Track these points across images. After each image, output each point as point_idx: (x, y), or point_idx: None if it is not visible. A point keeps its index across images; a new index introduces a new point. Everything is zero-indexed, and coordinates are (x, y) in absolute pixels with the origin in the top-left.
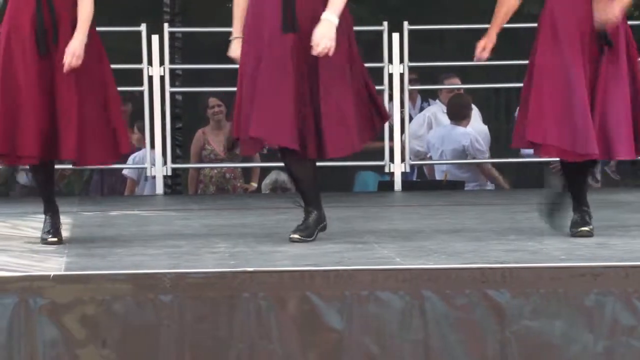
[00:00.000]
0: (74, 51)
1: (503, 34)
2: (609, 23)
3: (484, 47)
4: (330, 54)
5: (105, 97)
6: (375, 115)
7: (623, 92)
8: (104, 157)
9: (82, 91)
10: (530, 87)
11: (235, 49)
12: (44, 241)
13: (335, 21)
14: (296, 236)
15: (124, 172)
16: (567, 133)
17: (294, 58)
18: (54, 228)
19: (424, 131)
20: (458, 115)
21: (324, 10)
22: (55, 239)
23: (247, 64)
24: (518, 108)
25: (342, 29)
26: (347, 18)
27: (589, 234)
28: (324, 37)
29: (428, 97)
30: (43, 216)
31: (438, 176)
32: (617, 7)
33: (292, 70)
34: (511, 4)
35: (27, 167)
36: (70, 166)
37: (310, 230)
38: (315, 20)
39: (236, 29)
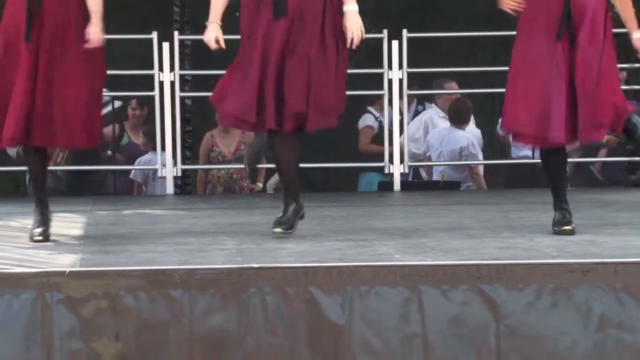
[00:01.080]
0: (95, 35)
1: (497, 40)
2: None
3: None
4: (360, 40)
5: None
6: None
7: (591, 78)
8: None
9: (63, 81)
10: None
11: (209, 34)
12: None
13: (357, 8)
14: (279, 230)
15: (131, 175)
16: (535, 119)
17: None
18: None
19: (421, 134)
20: (459, 119)
21: None
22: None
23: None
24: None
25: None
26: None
27: (572, 232)
28: (357, 29)
29: (425, 101)
30: (64, 214)
31: (436, 176)
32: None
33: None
34: None
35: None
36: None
37: (291, 222)
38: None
39: (214, 14)
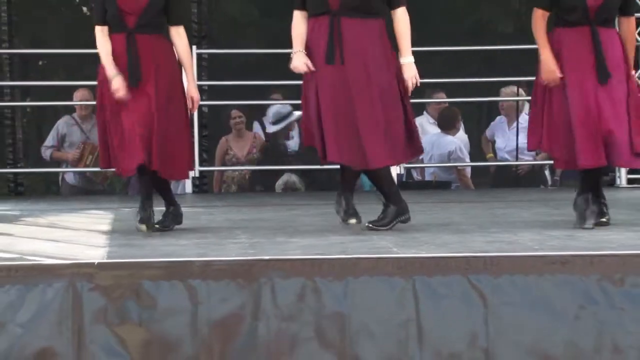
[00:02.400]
0: (196, 96)
1: (482, 54)
2: None
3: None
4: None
5: (184, 122)
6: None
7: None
8: (178, 174)
9: (168, 116)
10: (544, 105)
11: (296, 61)
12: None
13: (412, 60)
14: (370, 225)
15: None
16: (568, 147)
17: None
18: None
19: (423, 140)
20: (448, 125)
21: (368, 41)
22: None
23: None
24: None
25: (386, 63)
26: (394, 56)
27: (607, 223)
28: (412, 77)
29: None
30: (93, 211)
31: (428, 177)
32: None
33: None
34: (544, 26)
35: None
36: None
37: (387, 220)
38: (358, 51)
39: (297, 45)
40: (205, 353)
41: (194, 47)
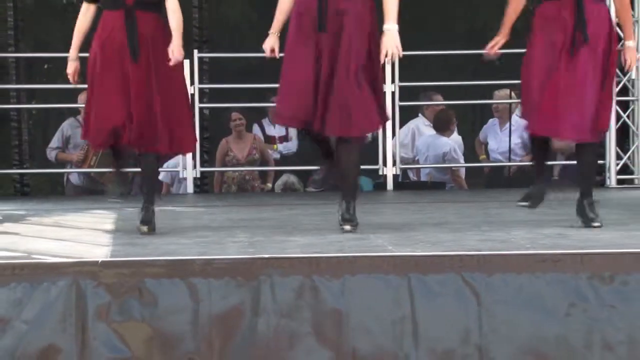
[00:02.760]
0: (178, 53)
1: (476, 58)
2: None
3: (496, 43)
4: (399, 56)
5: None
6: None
7: (589, 85)
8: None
9: (162, 92)
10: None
11: (269, 42)
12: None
13: (396, 28)
14: (348, 228)
15: (161, 177)
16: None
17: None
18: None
19: (409, 141)
20: (443, 127)
21: (355, 11)
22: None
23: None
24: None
25: (366, 30)
26: (373, 21)
27: (599, 226)
28: (392, 46)
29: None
30: (97, 211)
31: (423, 177)
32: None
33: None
34: (519, 3)
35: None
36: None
37: (356, 220)
38: (339, 13)
39: (275, 25)
40: (206, 349)
41: (195, 51)
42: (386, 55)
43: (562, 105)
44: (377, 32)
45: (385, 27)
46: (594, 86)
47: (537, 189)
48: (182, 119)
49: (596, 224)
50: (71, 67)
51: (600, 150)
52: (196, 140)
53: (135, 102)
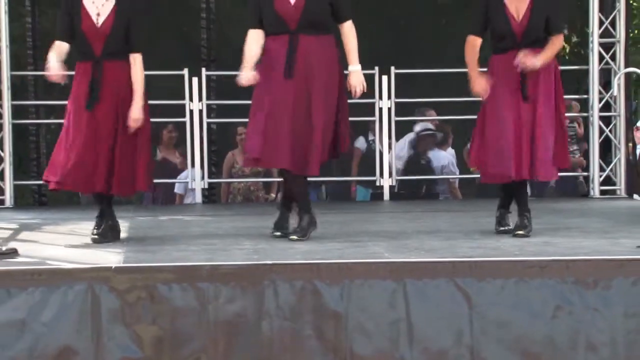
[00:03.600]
0: (136, 118)
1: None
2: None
3: (480, 85)
4: (362, 92)
5: (135, 144)
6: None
7: (548, 125)
8: (125, 190)
9: (119, 134)
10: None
11: (244, 77)
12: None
13: (360, 68)
14: (295, 237)
15: (175, 189)
16: (497, 161)
17: (294, 98)
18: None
19: (405, 153)
20: (441, 141)
21: (324, 51)
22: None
23: (262, 99)
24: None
25: (337, 75)
26: (340, 69)
27: (526, 236)
28: (359, 84)
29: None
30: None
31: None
32: (539, 59)
33: (291, 108)
34: (475, 52)
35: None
36: None
37: (305, 232)
38: (309, 63)
39: (247, 62)
40: (212, 349)
41: (204, 69)
42: (354, 93)
43: (529, 151)
44: (342, 73)
45: (352, 68)
46: (551, 129)
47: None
48: (138, 164)
49: (520, 232)
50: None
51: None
52: (147, 184)
53: (94, 147)
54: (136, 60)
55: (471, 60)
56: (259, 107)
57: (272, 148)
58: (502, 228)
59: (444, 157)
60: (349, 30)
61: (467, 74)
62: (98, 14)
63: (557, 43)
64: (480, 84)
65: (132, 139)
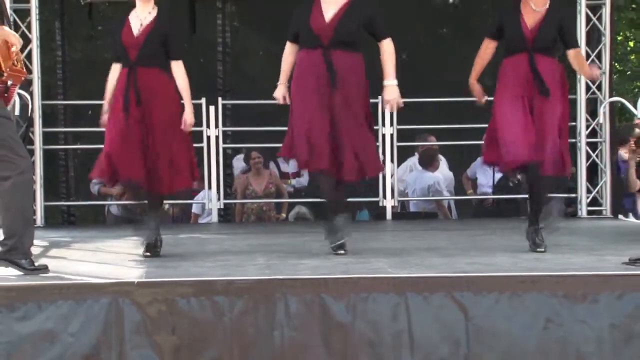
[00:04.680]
0: (190, 122)
1: (466, 104)
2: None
3: (477, 90)
4: (400, 106)
5: (179, 143)
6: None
7: (553, 124)
8: (181, 184)
9: (163, 137)
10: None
11: (280, 92)
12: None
13: (396, 83)
14: (343, 251)
15: (193, 209)
16: (511, 148)
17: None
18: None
19: (407, 176)
20: (427, 163)
21: (353, 67)
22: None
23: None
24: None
25: (366, 94)
26: (367, 90)
27: (544, 250)
28: (394, 98)
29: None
30: (134, 238)
31: (412, 207)
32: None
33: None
34: (486, 53)
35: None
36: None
37: (343, 233)
38: (341, 77)
39: (282, 77)
40: (227, 357)
41: (220, 98)
42: (390, 107)
43: (535, 143)
44: (368, 85)
45: (387, 82)
46: (555, 131)
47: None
48: (180, 162)
49: (541, 249)
50: (104, 118)
51: (555, 185)
52: (191, 181)
53: (142, 149)
54: (178, 66)
55: (478, 62)
56: (300, 115)
57: (317, 153)
58: (539, 249)
59: (429, 177)
60: (387, 47)
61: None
62: (140, 25)
63: (580, 57)
64: (475, 90)
65: (177, 139)
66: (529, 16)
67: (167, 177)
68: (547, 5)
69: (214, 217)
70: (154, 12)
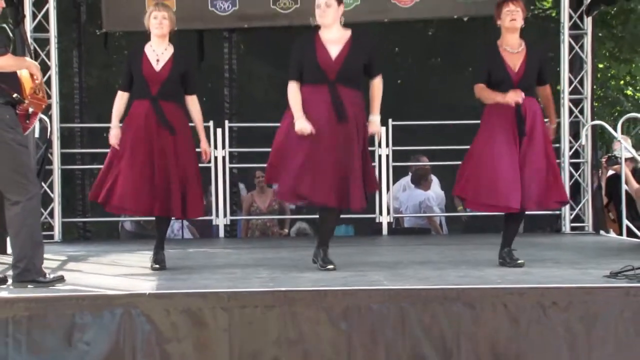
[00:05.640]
0: (208, 149)
1: (457, 126)
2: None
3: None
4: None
5: (193, 173)
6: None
7: (539, 163)
8: (195, 213)
9: (179, 166)
10: (473, 163)
11: (304, 127)
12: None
13: (379, 118)
14: (331, 267)
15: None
16: (493, 194)
17: (337, 138)
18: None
19: (401, 194)
20: (419, 181)
21: (355, 101)
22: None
23: (298, 137)
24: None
25: (364, 127)
26: (364, 117)
27: (521, 265)
28: (378, 131)
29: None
30: (146, 252)
31: (407, 224)
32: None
33: (334, 150)
34: (485, 89)
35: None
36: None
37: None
38: (349, 106)
39: (298, 111)
40: None
41: (227, 121)
42: (377, 136)
43: (522, 183)
44: (367, 125)
45: (373, 117)
46: (540, 166)
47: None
48: (197, 190)
49: (520, 262)
50: (115, 137)
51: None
52: (203, 209)
53: (158, 175)
54: (194, 100)
55: (487, 92)
56: (299, 148)
57: (319, 187)
58: (519, 261)
59: (420, 195)
60: (378, 84)
61: (480, 105)
62: (157, 60)
63: (550, 95)
64: (513, 95)
65: (191, 168)
66: (510, 58)
67: (180, 203)
68: (524, 46)
69: (221, 233)
70: (170, 49)
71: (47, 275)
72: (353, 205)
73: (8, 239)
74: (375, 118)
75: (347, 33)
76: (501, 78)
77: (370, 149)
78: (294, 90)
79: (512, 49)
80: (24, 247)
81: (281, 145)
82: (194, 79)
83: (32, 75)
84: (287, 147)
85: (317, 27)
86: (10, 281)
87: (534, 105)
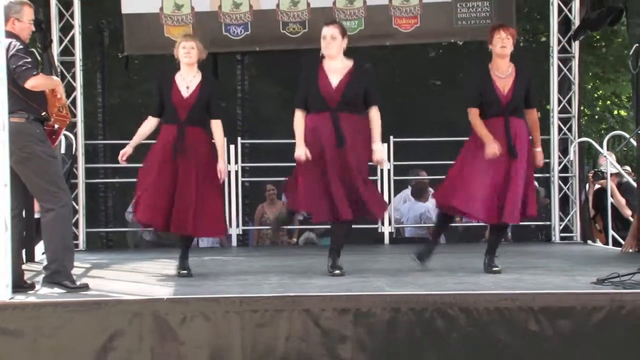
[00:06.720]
0: (224, 169)
1: (455, 143)
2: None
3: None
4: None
5: (213, 195)
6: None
7: (519, 180)
8: (209, 232)
9: (198, 187)
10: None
11: (302, 154)
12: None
13: (381, 146)
14: (338, 272)
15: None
16: (466, 201)
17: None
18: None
19: (401, 206)
20: (419, 194)
21: (357, 127)
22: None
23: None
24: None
25: (369, 149)
26: (370, 144)
27: (499, 272)
28: (383, 159)
29: (404, 184)
30: (163, 260)
31: (407, 234)
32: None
33: (339, 171)
34: (479, 118)
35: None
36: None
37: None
38: (351, 133)
39: (300, 138)
40: None
41: (239, 138)
42: (380, 165)
43: (503, 198)
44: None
45: (376, 147)
46: (522, 183)
47: (427, 248)
48: (215, 210)
49: (497, 269)
50: (126, 153)
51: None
52: (223, 229)
53: (178, 195)
54: (218, 125)
55: (480, 125)
56: (308, 172)
57: (329, 205)
58: (494, 269)
59: (421, 207)
60: (375, 114)
61: (475, 135)
62: (187, 87)
63: (536, 118)
64: (494, 147)
65: (211, 190)
66: (500, 82)
67: (193, 222)
68: (512, 70)
69: (234, 242)
70: (199, 76)
71: (74, 280)
72: (373, 216)
73: (36, 247)
74: (377, 147)
75: (349, 63)
76: (491, 100)
77: (372, 163)
78: (297, 120)
79: (502, 74)
80: (56, 250)
81: (296, 173)
82: (216, 103)
83: (55, 95)
84: (302, 171)
85: (323, 56)
86: (38, 287)
87: (522, 126)
